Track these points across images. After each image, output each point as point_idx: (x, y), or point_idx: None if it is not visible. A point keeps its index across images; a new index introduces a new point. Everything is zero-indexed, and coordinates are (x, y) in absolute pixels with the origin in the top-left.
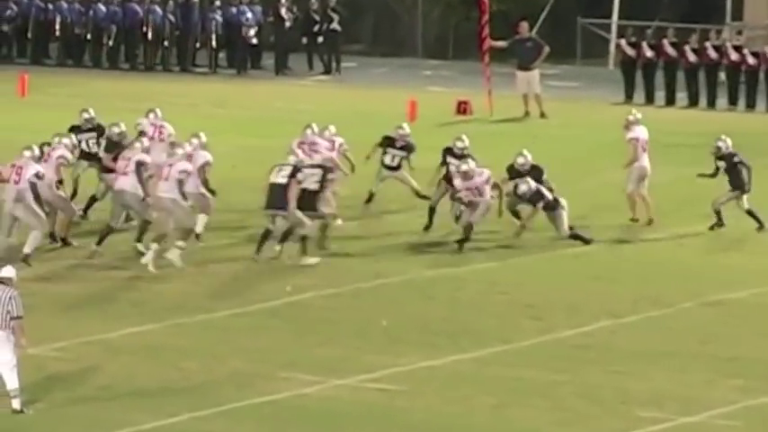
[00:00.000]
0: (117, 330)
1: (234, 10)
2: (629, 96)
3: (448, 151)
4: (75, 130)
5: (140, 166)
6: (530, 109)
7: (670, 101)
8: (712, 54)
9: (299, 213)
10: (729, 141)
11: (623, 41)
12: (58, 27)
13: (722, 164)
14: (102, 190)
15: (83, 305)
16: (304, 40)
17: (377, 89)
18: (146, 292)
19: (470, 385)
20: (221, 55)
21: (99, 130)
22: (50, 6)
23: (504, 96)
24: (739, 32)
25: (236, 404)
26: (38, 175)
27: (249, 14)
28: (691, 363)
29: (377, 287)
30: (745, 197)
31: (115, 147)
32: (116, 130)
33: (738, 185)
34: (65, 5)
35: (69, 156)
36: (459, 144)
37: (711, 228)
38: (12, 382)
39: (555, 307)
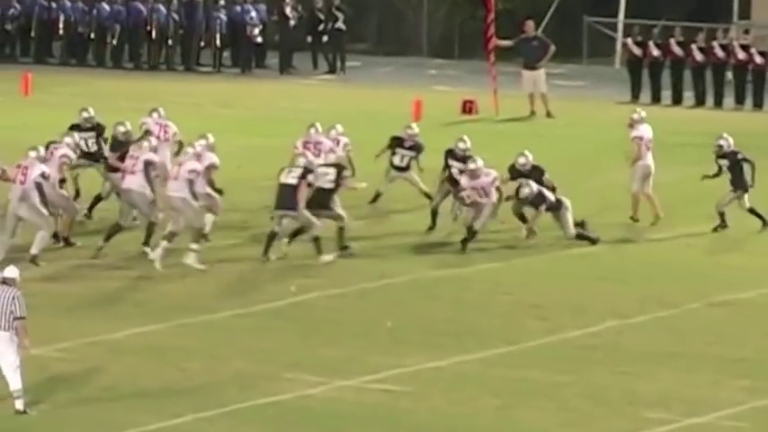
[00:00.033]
0: (120, 331)
1: (238, 9)
2: (635, 96)
3: (449, 153)
4: (74, 128)
5: (149, 165)
6: (536, 108)
7: (677, 100)
8: (719, 53)
9: (309, 214)
10: (731, 140)
11: (630, 40)
12: (61, 26)
13: (724, 162)
14: (108, 189)
15: (86, 305)
16: (309, 39)
17: (382, 88)
18: (149, 292)
19: (475, 386)
20: (225, 54)
21: (98, 129)
22: (54, 5)
23: (510, 96)
24: (746, 31)
25: (239, 405)
26: (43, 175)
27: (254, 13)
28: (698, 363)
29: (382, 287)
30: (746, 196)
31: (120, 146)
32: (121, 129)
33: (740, 184)
34: (68, 4)
35: (72, 155)
36: (461, 145)
37: (715, 229)
38: (15, 383)
39: (561, 307)
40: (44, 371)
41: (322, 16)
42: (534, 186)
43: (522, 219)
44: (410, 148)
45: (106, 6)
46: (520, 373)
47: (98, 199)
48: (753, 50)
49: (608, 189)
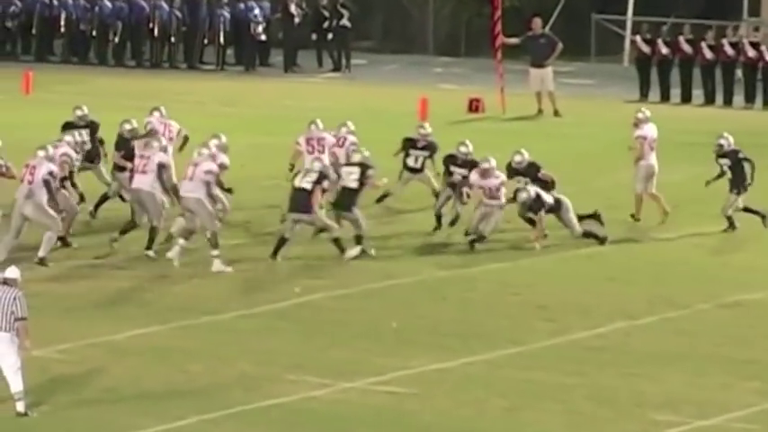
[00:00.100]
0: (123, 332)
1: (242, 6)
2: (644, 94)
3: (450, 158)
4: (68, 126)
5: (162, 168)
6: (543, 107)
7: (686, 98)
8: (729, 51)
9: (324, 218)
10: (731, 138)
11: (638, 38)
12: (62, 23)
13: (725, 161)
14: (115, 189)
15: (88, 306)
16: (313, 37)
17: (387, 86)
18: (152, 293)
19: (482, 388)
20: (229, 52)
21: (92, 126)
22: (55, 2)
23: (517, 94)
24: (756, 29)
25: (243, 407)
26: (52, 174)
27: (257, 11)
28: (707, 365)
29: (387, 288)
30: (741, 197)
31: (126, 144)
32: (127, 126)
33: (739, 184)
34: (70, 1)
35: (73, 153)
36: (463, 149)
37: (724, 231)
38: (16, 385)
39: (568, 308)
40: (45, 372)
41: (327, 13)
42: (532, 190)
43: (530, 221)
44: (424, 149)
45: (108, 3)
46: (526, 375)
47: (104, 198)
48: (763, 48)
49: (616, 188)
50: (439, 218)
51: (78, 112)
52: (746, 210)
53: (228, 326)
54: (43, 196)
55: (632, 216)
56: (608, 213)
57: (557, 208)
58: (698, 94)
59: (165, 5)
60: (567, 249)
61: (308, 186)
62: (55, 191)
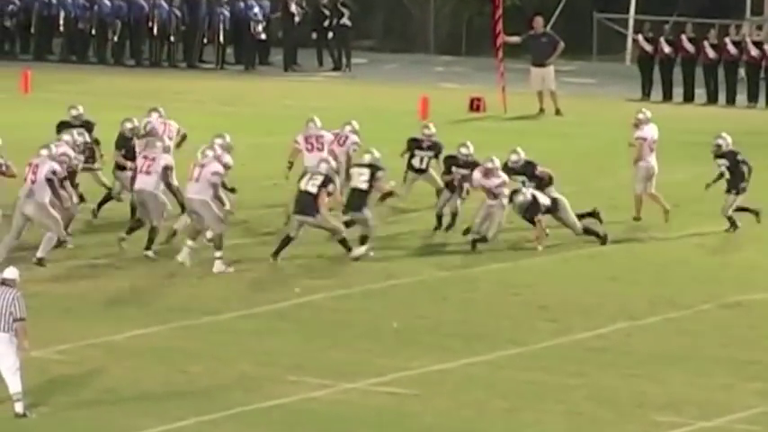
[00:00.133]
0: (121, 333)
1: (242, 5)
2: (646, 93)
3: (451, 159)
4: (63, 126)
5: (167, 170)
6: (544, 106)
7: (688, 98)
8: (732, 50)
9: (330, 220)
10: (729, 139)
11: (640, 37)
12: (61, 22)
13: (723, 162)
14: (118, 189)
15: (87, 307)
16: (314, 36)
17: (388, 86)
18: (151, 293)
19: (483, 389)
20: (229, 51)
21: (88, 126)
22: (54, 1)
23: (519, 93)
24: (759, 27)
25: (243, 408)
26: (54, 173)
27: (257, 9)
28: (709, 366)
29: (388, 288)
30: (739, 197)
31: (126, 142)
32: (128, 125)
33: (737, 185)
34: (69, 0)
35: (72, 153)
36: (464, 150)
37: (727, 231)
38: (14, 386)
39: (569, 308)
40: (44, 373)
41: (327, 12)
42: (528, 193)
43: (530, 220)
44: (429, 149)
45: (107, 2)
46: (528, 376)
47: (108, 198)
48: (766, 47)
49: (617, 188)
50: (440, 218)
51: (73, 112)
52: (741, 209)
53: (228, 326)
54: (45, 196)
55: (634, 218)
56: (609, 213)
57: (554, 208)
58: (700, 93)
59: (164, 4)
60: (568, 249)
61: (314, 190)
62: (58, 189)
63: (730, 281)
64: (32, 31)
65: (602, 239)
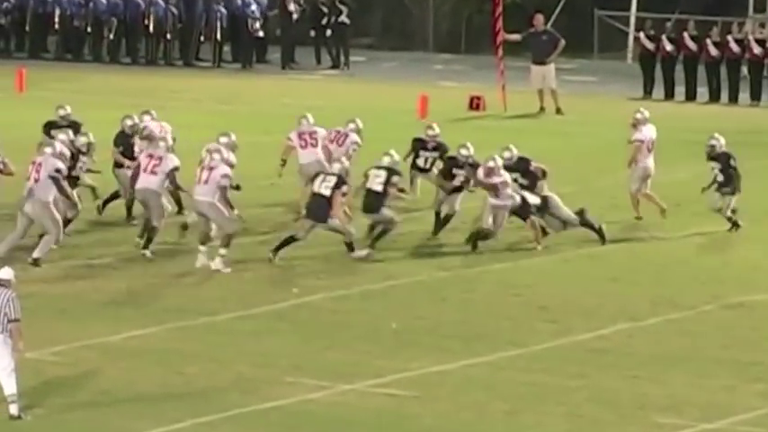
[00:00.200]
0: (117, 334)
1: (239, 2)
2: (647, 92)
3: (451, 160)
4: (50, 126)
5: (175, 171)
6: (545, 104)
7: (690, 96)
8: (734, 48)
9: (340, 223)
10: (723, 140)
11: (642, 35)
12: (56, 20)
13: (716, 165)
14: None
15: (82, 308)
16: (312, 34)
17: (386, 84)
18: (147, 294)
19: (483, 390)
20: (226, 49)
21: (75, 127)
22: None
23: (519, 91)
24: (762, 25)
25: (240, 410)
26: (58, 171)
27: (254, 6)
28: (711, 367)
29: (386, 289)
30: (735, 197)
31: (126, 139)
32: (128, 122)
33: (733, 185)
34: None
35: (67, 152)
36: (464, 152)
37: (729, 231)
38: (9, 387)
39: (570, 309)
40: (39, 375)
41: (325, 10)
42: (517, 197)
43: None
44: (434, 150)
45: (103, 0)
46: (528, 377)
47: (116, 195)
48: None
49: (618, 188)
50: (438, 216)
51: (61, 112)
52: (718, 211)
53: (226, 327)
54: (49, 194)
55: (636, 219)
56: (610, 213)
57: (544, 207)
58: (702, 91)
59: (160, 2)
60: (568, 250)
61: (327, 192)
62: (65, 187)
63: (732, 281)
64: (27, 28)
65: (599, 232)
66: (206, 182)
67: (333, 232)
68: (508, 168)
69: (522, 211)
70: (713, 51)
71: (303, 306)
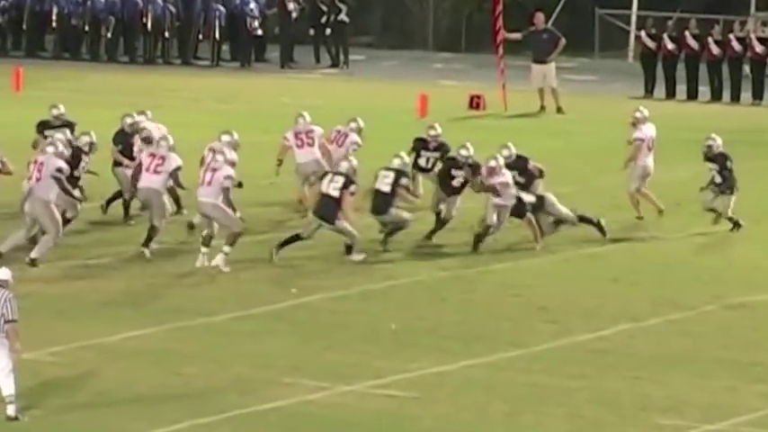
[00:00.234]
0: (115, 334)
1: (237, 0)
2: (649, 90)
3: (451, 161)
4: (44, 125)
5: (178, 170)
6: (545, 103)
7: (692, 95)
8: (736, 46)
9: (348, 225)
10: (719, 140)
11: (643, 33)
12: (54, 18)
13: (713, 166)
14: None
15: (80, 308)
16: (311, 32)
17: (386, 83)
18: (145, 294)
19: (483, 391)
20: (224, 47)
21: (69, 126)
22: None
23: (519, 90)
24: (765, 23)
25: (239, 411)
26: (60, 170)
27: (253, 5)
28: (713, 368)
29: (386, 289)
30: (720, 198)
31: (125, 138)
32: (129, 120)
33: (731, 185)
34: None
35: (66, 153)
36: (464, 152)
37: (731, 230)
38: (7, 388)
39: (571, 310)
40: (36, 375)
41: (324, 8)
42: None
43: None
44: (435, 150)
45: None
46: (528, 378)
47: (118, 194)
48: None
49: (619, 187)
50: (438, 215)
51: (54, 111)
52: (711, 210)
53: (224, 328)
54: (51, 193)
55: (637, 218)
56: (611, 213)
57: (540, 206)
58: (704, 90)
59: (158, 0)
60: (568, 249)
61: (336, 193)
62: (68, 186)
63: (733, 281)
64: (24, 27)
65: (598, 226)
66: (209, 183)
67: (337, 233)
68: (507, 167)
69: (518, 209)
70: (715, 50)
71: (302, 306)
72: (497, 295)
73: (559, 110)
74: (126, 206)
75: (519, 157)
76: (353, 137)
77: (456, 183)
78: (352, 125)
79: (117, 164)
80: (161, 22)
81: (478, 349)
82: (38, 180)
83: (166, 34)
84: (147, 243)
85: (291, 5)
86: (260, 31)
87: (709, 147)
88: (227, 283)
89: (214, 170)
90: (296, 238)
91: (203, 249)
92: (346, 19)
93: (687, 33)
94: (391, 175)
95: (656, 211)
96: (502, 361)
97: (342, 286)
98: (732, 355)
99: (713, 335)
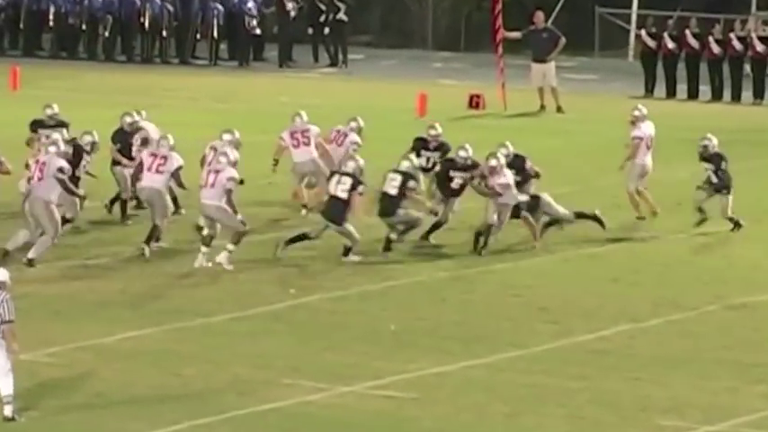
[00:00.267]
0: (113, 335)
1: None
2: (649, 90)
3: (450, 162)
4: (37, 124)
5: (180, 170)
6: (545, 103)
7: (692, 94)
8: (737, 45)
9: (352, 228)
10: (715, 140)
11: (644, 32)
12: (51, 17)
13: (709, 166)
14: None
15: (77, 308)
16: (309, 31)
17: (385, 82)
18: (143, 295)
19: (483, 392)
20: (222, 46)
21: (64, 126)
22: None
23: (519, 90)
24: (765, 23)
25: (237, 412)
26: (62, 170)
27: (251, 4)
28: (713, 369)
29: (385, 289)
30: (715, 196)
31: (124, 137)
32: (128, 119)
33: (727, 185)
34: None
35: (68, 152)
36: (463, 153)
37: (731, 230)
38: (6, 388)
39: (571, 310)
40: (34, 376)
41: (323, 7)
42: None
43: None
44: (436, 150)
45: None
46: (528, 379)
47: (118, 196)
48: None
49: (619, 187)
50: (435, 215)
51: (48, 111)
52: (701, 210)
53: (222, 328)
54: (52, 193)
55: (638, 218)
56: (611, 212)
57: (535, 205)
58: (705, 89)
59: None
60: (568, 250)
61: (344, 195)
62: (71, 186)
63: (734, 282)
64: (21, 26)
65: (597, 219)
66: (212, 185)
67: (343, 236)
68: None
69: (513, 210)
70: (715, 49)
71: (300, 307)
72: (497, 295)
73: (559, 109)
74: (123, 207)
75: (517, 156)
76: (353, 136)
77: (455, 184)
78: (352, 125)
79: (115, 163)
80: (159, 21)
81: (478, 350)
82: (39, 180)
83: (164, 33)
84: (148, 241)
85: (290, 4)
86: (258, 31)
87: (705, 147)
88: (226, 284)
89: (217, 172)
90: (303, 236)
91: (203, 249)
92: (345, 18)
93: (688, 32)
94: (399, 177)
95: (651, 212)
96: (502, 361)
97: (341, 287)
98: (733, 356)
99: (714, 335)
